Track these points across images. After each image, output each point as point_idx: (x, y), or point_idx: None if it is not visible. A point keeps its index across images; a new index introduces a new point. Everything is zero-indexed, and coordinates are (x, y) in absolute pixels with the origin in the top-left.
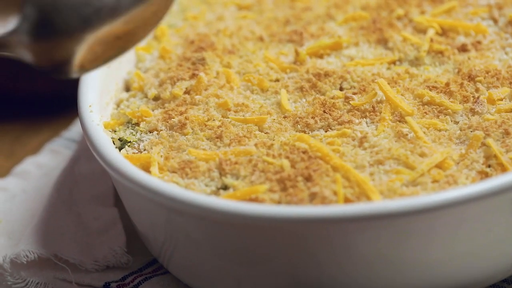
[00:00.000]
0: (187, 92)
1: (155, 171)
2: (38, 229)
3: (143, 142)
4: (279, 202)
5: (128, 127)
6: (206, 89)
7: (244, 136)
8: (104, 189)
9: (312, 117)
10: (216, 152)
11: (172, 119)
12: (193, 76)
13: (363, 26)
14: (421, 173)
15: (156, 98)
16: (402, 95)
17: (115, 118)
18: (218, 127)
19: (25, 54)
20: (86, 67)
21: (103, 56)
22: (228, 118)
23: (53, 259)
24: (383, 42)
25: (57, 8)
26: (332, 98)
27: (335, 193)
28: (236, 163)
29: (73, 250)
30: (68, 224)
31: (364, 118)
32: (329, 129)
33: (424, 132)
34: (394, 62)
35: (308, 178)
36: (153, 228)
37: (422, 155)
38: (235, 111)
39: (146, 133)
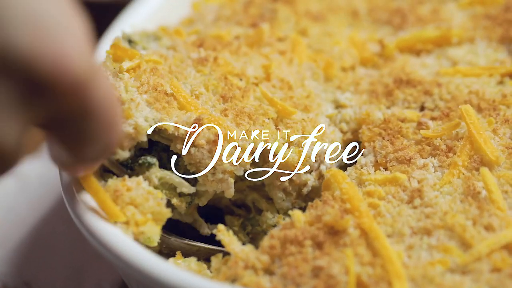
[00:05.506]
0: (237, 37)
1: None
2: (20, 243)
3: (146, 50)
4: (271, 273)
5: (150, 38)
6: (259, 46)
7: (250, 119)
8: None
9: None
10: (220, 113)
11: (201, 48)
12: (253, 25)
13: (490, 14)
14: (477, 256)
15: (196, 32)
16: (494, 130)
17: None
18: (238, 88)
19: None
20: None
21: None
22: (258, 87)
23: None
24: (507, 41)
25: None
26: (401, 121)
27: (347, 271)
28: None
29: (53, 278)
30: (61, 240)
31: (433, 158)
32: (380, 167)
33: (506, 192)
34: (511, 75)
35: (319, 245)
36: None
37: (488, 227)
38: (273, 86)
39: (163, 47)
